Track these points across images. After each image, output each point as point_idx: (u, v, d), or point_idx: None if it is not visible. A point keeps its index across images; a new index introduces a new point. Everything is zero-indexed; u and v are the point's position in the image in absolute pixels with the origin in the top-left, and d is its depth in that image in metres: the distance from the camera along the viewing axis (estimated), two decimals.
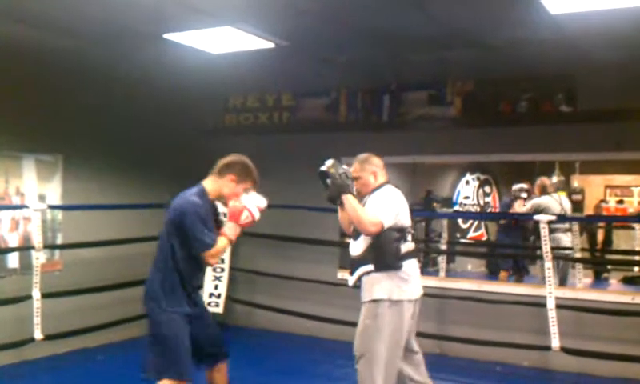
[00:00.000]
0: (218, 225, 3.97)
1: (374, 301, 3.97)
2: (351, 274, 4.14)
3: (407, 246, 4.04)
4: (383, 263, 3.96)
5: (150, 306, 3.92)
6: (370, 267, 3.99)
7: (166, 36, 5.28)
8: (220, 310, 7.54)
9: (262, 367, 6.40)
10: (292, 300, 7.47)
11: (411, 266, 4.05)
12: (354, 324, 6.75)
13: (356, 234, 4.10)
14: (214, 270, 7.57)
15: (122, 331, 6.90)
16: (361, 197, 4.17)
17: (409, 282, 4.00)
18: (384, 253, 3.96)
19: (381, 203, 4.01)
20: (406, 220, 4.06)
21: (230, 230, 3.79)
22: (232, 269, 7.63)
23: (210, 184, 3.93)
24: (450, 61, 6.08)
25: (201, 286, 4.20)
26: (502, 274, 8.60)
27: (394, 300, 3.95)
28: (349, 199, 3.98)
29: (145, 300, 3.95)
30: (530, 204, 7.92)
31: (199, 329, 3.93)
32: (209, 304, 7.56)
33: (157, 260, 3.92)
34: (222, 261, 7.56)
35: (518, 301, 6.27)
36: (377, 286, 3.97)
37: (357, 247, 4.09)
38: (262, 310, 7.62)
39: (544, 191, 7.83)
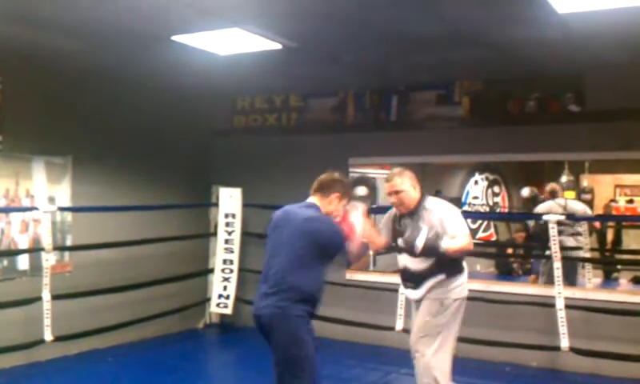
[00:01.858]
0: None
1: (454, 300, 4.25)
2: (415, 287, 4.30)
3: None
4: (456, 269, 4.26)
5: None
6: (443, 276, 4.21)
7: (174, 38, 5.30)
8: (229, 310, 7.56)
9: (270, 368, 6.40)
10: None
11: (466, 267, 4.41)
12: (362, 325, 6.82)
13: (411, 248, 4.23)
14: (223, 271, 7.59)
15: (132, 333, 6.95)
16: (402, 211, 4.28)
17: (466, 281, 4.34)
18: (454, 261, 4.23)
19: (456, 219, 4.25)
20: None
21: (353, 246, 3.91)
22: (241, 270, 7.64)
23: (319, 202, 3.95)
24: (458, 61, 6.07)
25: None
26: (532, 277, 8.61)
27: (462, 298, 4.29)
28: (449, 251, 4.09)
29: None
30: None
31: None
32: (217, 305, 7.59)
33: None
34: (231, 262, 7.58)
35: (527, 301, 6.25)
36: (456, 288, 4.25)
37: (420, 262, 4.23)
38: None
39: (552, 196, 7.80)
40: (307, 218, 3.80)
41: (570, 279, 6.98)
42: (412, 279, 4.30)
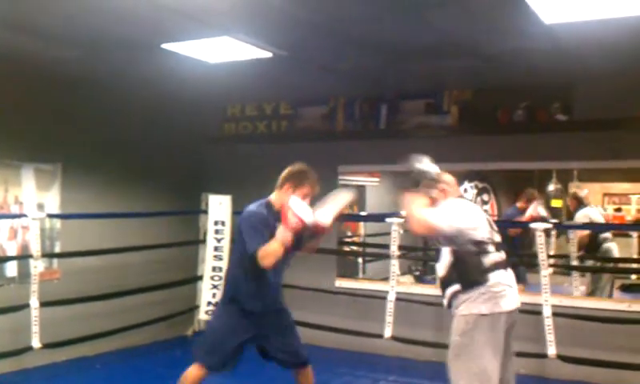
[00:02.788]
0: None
1: (465, 315, 3.83)
2: (442, 296, 4.03)
3: (492, 258, 3.88)
4: (471, 280, 3.84)
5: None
6: (458, 287, 3.87)
7: (164, 46, 5.31)
8: None
9: (259, 376, 6.40)
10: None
11: (501, 277, 3.87)
12: (352, 332, 6.83)
13: (437, 254, 4.03)
14: (212, 278, 7.58)
15: (120, 340, 6.93)
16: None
17: (500, 294, 3.83)
18: (467, 270, 3.86)
19: (445, 209, 3.92)
20: (483, 232, 3.89)
21: (279, 233, 3.89)
22: None
23: (274, 196, 4.21)
24: (447, 70, 6.12)
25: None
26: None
27: (489, 314, 3.79)
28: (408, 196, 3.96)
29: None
30: None
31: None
32: (206, 312, 7.58)
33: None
34: (220, 269, 7.58)
35: None
36: (469, 303, 3.82)
37: (440, 267, 4.00)
38: None
39: (580, 203, 7.91)
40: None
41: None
42: (441, 286, 4.06)
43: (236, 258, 4.21)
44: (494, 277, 3.83)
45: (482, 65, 5.81)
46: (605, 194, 12.69)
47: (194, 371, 4.25)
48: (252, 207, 4.15)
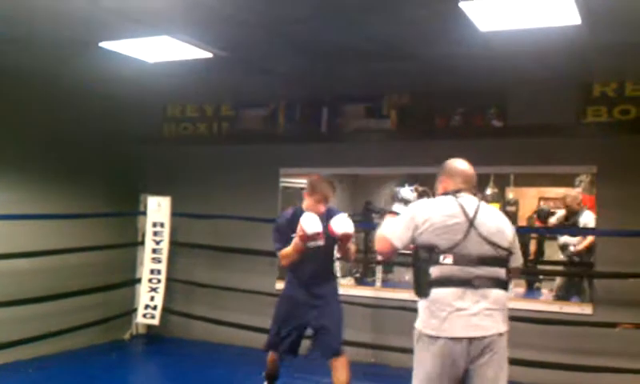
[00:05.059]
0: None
1: (414, 328, 3.38)
2: None
3: (442, 270, 3.26)
4: (415, 289, 3.39)
5: None
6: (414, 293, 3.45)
7: (102, 44, 5.23)
8: (156, 321, 7.46)
9: (199, 379, 6.35)
10: (230, 311, 7.44)
11: (448, 296, 3.24)
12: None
13: None
14: (150, 281, 7.49)
15: (56, 344, 6.79)
16: None
17: (440, 316, 3.23)
18: (414, 277, 3.41)
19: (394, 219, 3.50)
20: (435, 238, 3.28)
21: (293, 240, 4.58)
22: (169, 280, 7.56)
23: (304, 202, 4.80)
24: (386, 75, 6.18)
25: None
26: None
27: (422, 331, 3.31)
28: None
29: None
30: None
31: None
32: (144, 316, 7.48)
33: None
34: (159, 272, 7.49)
35: None
36: (419, 314, 3.37)
37: None
38: (200, 321, 7.57)
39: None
40: None
41: None
42: None
43: None
44: (437, 293, 3.25)
45: (420, 70, 5.90)
46: (540, 198, 13.03)
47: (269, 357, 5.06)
48: (283, 212, 4.99)
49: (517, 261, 3.49)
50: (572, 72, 5.84)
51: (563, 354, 5.96)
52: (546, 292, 9.71)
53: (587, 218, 7.38)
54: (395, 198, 10.58)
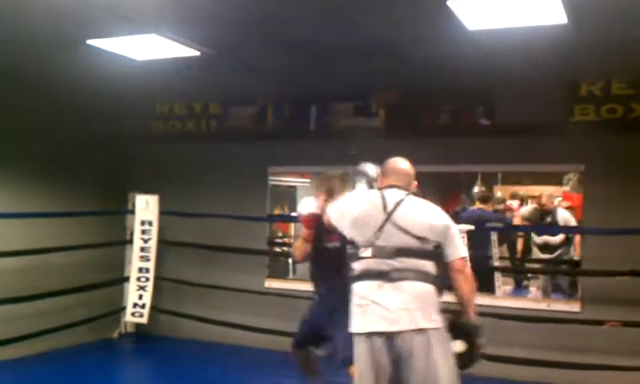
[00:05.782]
0: None
1: None
2: None
3: (362, 264, 3.31)
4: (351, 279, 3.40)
5: None
6: None
7: (90, 42, 5.21)
8: (144, 320, 7.44)
9: (188, 378, 6.34)
10: (219, 309, 7.43)
11: (367, 289, 3.27)
12: (281, 333, 6.82)
13: None
14: (139, 279, 7.47)
15: (44, 343, 6.76)
16: None
17: (362, 309, 3.28)
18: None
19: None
20: (356, 232, 3.37)
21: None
22: (157, 278, 7.53)
23: None
24: (374, 73, 6.20)
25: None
26: None
27: (354, 332, 3.33)
28: None
29: None
30: None
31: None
32: (133, 314, 7.46)
33: None
34: (147, 270, 7.47)
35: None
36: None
37: None
38: (188, 319, 7.55)
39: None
40: None
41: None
42: None
43: None
44: (358, 287, 3.31)
45: (409, 69, 5.91)
46: (528, 197, 13.07)
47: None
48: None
49: (453, 255, 3.37)
50: (559, 71, 5.87)
51: (551, 351, 6.00)
52: (534, 290, 9.76)
53: (565, 215, 7.48)
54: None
